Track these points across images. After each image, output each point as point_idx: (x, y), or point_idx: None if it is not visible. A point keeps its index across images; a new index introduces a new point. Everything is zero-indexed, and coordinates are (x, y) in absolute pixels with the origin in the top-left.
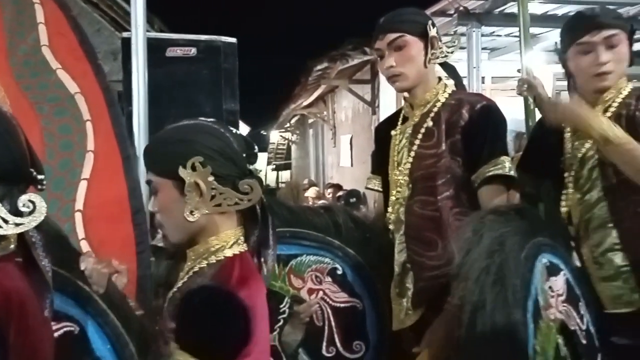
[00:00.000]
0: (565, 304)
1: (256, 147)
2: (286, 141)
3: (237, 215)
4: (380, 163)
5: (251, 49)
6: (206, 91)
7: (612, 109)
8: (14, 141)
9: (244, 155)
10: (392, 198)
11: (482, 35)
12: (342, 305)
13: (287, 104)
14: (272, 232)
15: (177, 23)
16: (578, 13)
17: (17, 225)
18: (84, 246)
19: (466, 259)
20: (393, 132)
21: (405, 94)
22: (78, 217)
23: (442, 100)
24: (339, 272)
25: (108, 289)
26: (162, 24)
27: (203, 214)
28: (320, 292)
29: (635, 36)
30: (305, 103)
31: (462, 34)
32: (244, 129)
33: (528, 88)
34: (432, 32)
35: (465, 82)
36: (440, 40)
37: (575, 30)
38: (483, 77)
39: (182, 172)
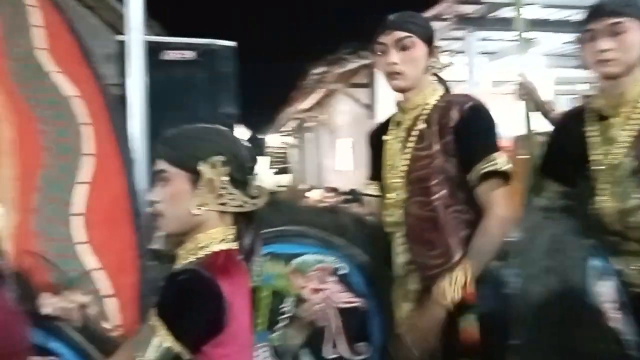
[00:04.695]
0: (614, 310)
1: (256, 157)
2: (285, 145)
3: (231, 217)
4: (375, 168)
5: (254, 53)
6: (203, 94)
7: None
8: None
9: (252, 163)
10: (390, 201)
11: (482, 39)
12: (346, 305)
13: (285, 107)
14: (258, 238)
15: (177, 27)
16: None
17: None
18: (85, 250)
19: (524, 257)
20: (385, 137)
21: (399, 97)
22: (79, 220)
23: (433, 102)
24: (343, 272)
25: (84, 322)
26: (161, 28)
27: (207, 210)
28: (324, 292)
29: None
30: (303, 107)
31: (459, 38)
32: (244, 133)
33: (524, 92)
34: (436, 41)
35: (463, 86)
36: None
37: (585, 18)
38: (482, 81)
39: (202, 167)
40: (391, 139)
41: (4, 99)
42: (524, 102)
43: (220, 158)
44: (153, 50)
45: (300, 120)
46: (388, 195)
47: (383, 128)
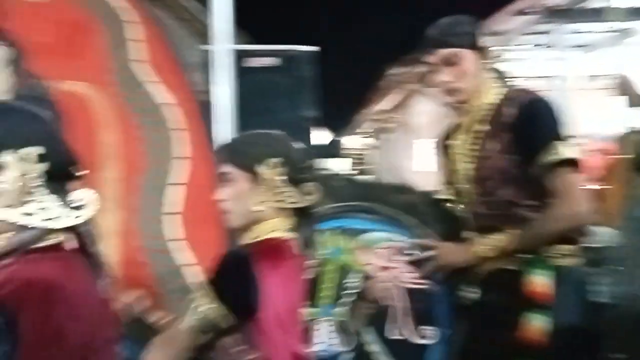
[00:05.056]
0: None
1: (313, 161)
2: (365, 147)
3: (289, 212)
4: (445, 173)
5: (338, 57)
6: (286, 99)
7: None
8: (62, 142)
9: (307, 165)
10: (459, 205)
11: (572, 32)
12: (414, 286)
13: (365, 109)
14: (315, 230)
15: (262, 34)
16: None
17: (71, 217)
18: (181, 246)
19: (625, 266)
20: (450, 142)
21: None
22: (176, 219)
23: (493, 101)
24: (413, 252)
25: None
26: (246, 36)
27: (267, 206)
28: (393, 271)
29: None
30: (382, 108)
31: (545, 32)
32: (325, 136)
33: (622, 87)
34: (483, 41)
35: (553, 81)
36: (497, 46)
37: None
38: (572, 75)
39: (260, 168)
40: (456, 143)
41: (110, 107)
42: (621, 98)
43: (277, 160)
44: (238, 58)
45: (379, 122)
46: (458, 198)
47: (449, 132)
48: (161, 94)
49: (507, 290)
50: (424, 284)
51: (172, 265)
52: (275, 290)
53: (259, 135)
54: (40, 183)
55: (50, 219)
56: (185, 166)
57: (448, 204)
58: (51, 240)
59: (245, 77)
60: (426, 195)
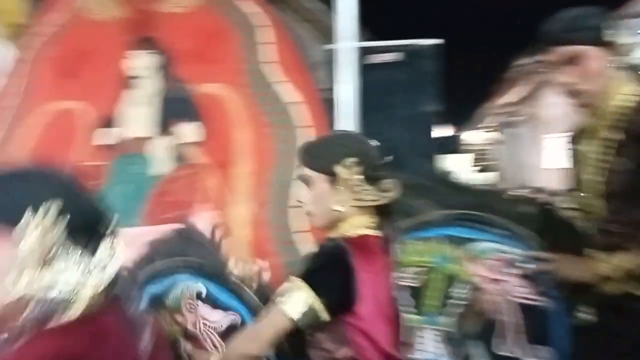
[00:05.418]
0: None
1: (388, 157)
2: (489, 142)
3: (370, 209)
4: (571, 180)
5: (462, 48)
6: (408, 95)
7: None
8: (84, 199)
9: (383, 161)
10: (583, 217)
11: None
12: (527, 302)
13: (489, 102)
14: (397, 226)
15: (385, 29)
16: None
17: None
18: (307, 238)
19: None
20: (578, 147)
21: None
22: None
23: (625, 105)
24: (525, 265)
25: (259, 285)
26: (369, 33)
27: (347, 205)
28: (504, 284)
29: None
30: (508, 100)
31: None
32: (448, 131)
33: None
34: (612, 35)
35: None
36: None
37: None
38: None
39: (337, 169)
40: (584, 149)
41: (244, 107)
42: None
43: (352, 159)
44: (361, 55)
45: (504, 115)
46: (582, 210)
47: (577, 135)
48: (289, 93)
49: (628, 317)
50: (537, 300)
51: (297, 256)
52: (368, 286)
53: (334, 137)
54: (62, 244)
55: (73, 287)
56: None
57: (570, 214)
58: (75, 309)
59: (368, 74)
60: (543, 205)
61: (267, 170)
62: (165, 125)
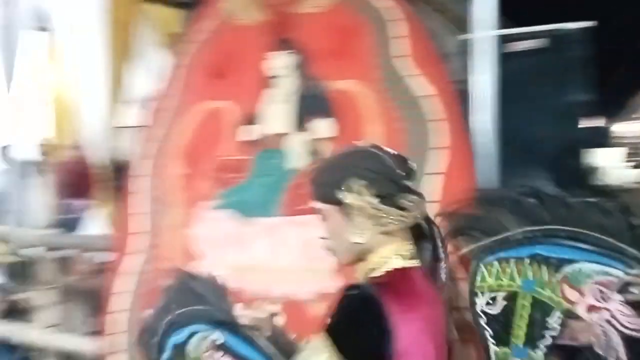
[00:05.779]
0: None
1: (413, 164)
2: None
3: (405, 232)
4: None
5: (614, 31)
6: (553, 84)
7: None
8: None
9: (404, 173)
10: None
11: None
12: (632, 333)
13: None
14: (441, 245)
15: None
16: None
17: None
18: None
19: None
20: None
21: None
22: (432, 208)
23: None
24: (635, 289)
25: (273, 331)
26: (507, 20)
27: (369, 234)
28: (606, 312)
29: None
30: None
31: None
32: (598, 123)
33: None
34: None
35: None
36: None
37: None
38: None
39: (342, 196)
40: None
41: (375, 102)
42: None
43: (357, 181)
44: (499, 43)
45: None
46: None
47: None
48: (421, 86)
49: None
50: None
51: None
52: (410, 339)
53: (330, 160)
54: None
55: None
56: (443, 156)
57: None
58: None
59: (507, 63)
60: None
61: None
62: (302, 121)
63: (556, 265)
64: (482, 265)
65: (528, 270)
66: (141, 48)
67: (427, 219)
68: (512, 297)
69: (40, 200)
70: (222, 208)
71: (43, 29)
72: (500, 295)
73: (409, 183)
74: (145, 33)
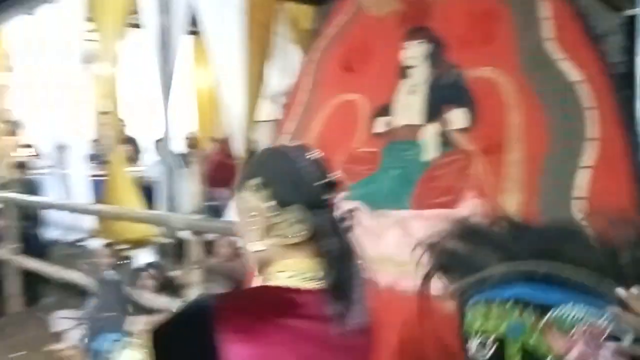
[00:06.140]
0: None
1: (332, 175)
2: None
3: (313, 249)
4: None
5: None
6: None
7: None
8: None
9: (318, 183)
10: None
11: None
12: None
13: None
14: (355, 279)
15: None
16: None
17: None
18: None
19: None
20: None
21: None
22: (581, 204)
23: None
24: (628, 335)
25: None
26: None
27: (267, 243)
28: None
29: None
30: None
31: None
32: None
33: None
34: None
35: None
36: None
37: None
38: None
39: (243, 194)
40: None
41: (515, 89)
42: None
43: (256, 180)
44: None
45: None
46: None
47: None
48: (568, 71)
49: None
50: None
51: None
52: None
53: (258, 155)
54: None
55: None
56: (592, 148)
57: None
58: None
59: None
60: None
61: (539, 157)
62: (436, 111)
63: (540, 309)
64: (469, 306)
65: (512, 315)
66: (278, 46)
67: (347, 247)
68: (501, 343)
69: (189, 189)
70: (352, 200)
71: (193, 33)
72: (490, 340)
73: (322, 195)
74: (281, 31)
